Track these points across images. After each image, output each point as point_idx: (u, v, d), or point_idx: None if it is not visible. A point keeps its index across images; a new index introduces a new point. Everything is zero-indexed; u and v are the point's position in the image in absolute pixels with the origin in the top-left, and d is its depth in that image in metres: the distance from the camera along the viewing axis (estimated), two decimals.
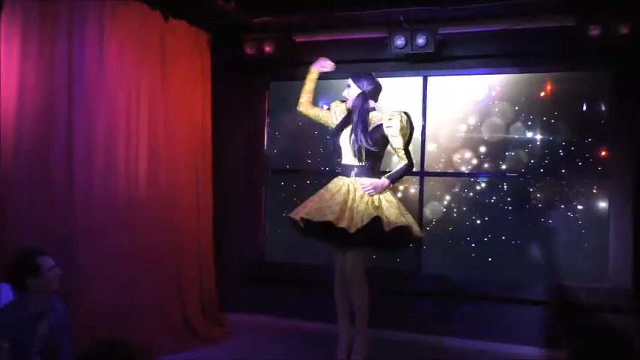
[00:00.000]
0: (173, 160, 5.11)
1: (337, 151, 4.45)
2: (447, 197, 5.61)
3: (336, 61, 5.53)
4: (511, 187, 5.42)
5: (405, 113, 4.31)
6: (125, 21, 4.65)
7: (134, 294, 4.59)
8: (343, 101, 4.51)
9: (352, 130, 4.31)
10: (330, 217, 4.09)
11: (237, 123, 5.94)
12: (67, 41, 4.26)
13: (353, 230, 4.05)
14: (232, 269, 5.78)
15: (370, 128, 4.29)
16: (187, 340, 4.92)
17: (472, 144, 5.52)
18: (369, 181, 4.23)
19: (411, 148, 4.38)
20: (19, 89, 4.02)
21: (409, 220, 4.24)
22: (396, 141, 4.25)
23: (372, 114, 4.35)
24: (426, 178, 5.51)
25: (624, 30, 4.61)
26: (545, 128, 5.33)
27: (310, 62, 5.68)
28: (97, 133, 4.42)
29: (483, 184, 5.53)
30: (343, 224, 4.07)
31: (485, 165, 5.49)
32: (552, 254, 5.14)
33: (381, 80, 5.62)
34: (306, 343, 4.77)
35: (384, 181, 4.26)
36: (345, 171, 4.36)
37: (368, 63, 5.54)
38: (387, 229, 4.05)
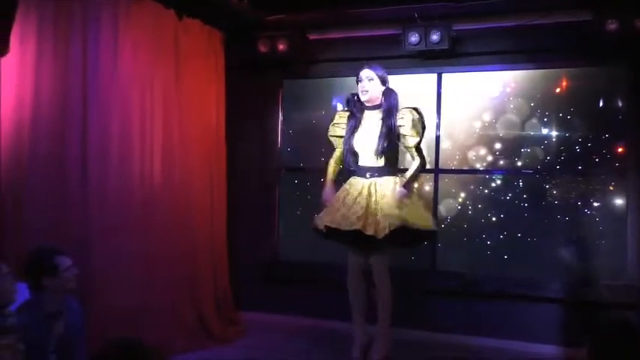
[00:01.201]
0: (187, 158, 5.12)
1: (353, 154, 4.38)
2: (462, 194, 5.58)
3: (350, 59, 5.53)
4: (527, 184, 5.37)
5: (416, 109, 4.28)
6: (139, 20, 4.66)
7: (148, 294, 4.60)
8: (346, 104, 4.48)
9: (385, 130, 4.21)
10: (357, 225, 4.08)
11: (251, 121, 5.94)
12: (82, 40, 4.28)
13: (381, 236, 4.04)
14: (246, 268, 5.78)
15: None
16: (201, 340, 4.92)
17: (487, 141, 5.48)
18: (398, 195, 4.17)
19: (424, 145, 4.35)
20: (35, 89, 4.04)
21: (428, 215, 4.30)
22: (409, 140, 4.24)
23: None
24: (441, 176, 5.47)
25: None
26: (561, 124, 5.28)
27: (324, 60, 5.70)
28: (111, 133, 4.44)
29: (499, 182, 5.49)
30: (370, 231, 4.06)
31: (501, 162, 5.45)
32: (569, 251, 5.09)
33: (395, 77, 5.63)
34: (319, 342, 4.76)
35: (403, 191, 4.19)
36: (362, 172, 4.31)
37: (382, 60, 5.50)
38: (412, 229, 4.09)
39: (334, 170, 4.56)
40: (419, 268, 5.38)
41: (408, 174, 4.29)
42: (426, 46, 5.11)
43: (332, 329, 5.18)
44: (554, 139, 5.32)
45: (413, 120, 4.20)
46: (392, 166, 4.33)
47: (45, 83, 4.10)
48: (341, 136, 4.46)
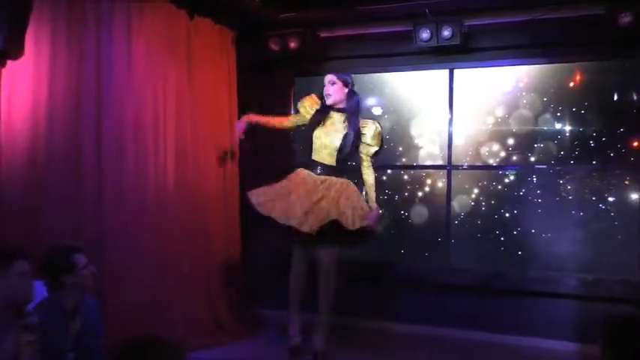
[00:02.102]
0: (200, 157, 5.15)
1: (308, 147, 4.57)
2: (475, 191, 5.56)
3: (361, 56, 5.53)
4: (540, 180, 5.35)
5: (379, 122, 4.61)
6: (152, 20, 4.69)
7: (163, 291, 4.64)
8: (320, 98, 4.62)
9: (348, 132, 4.45)
10: (293, 222, 4.28)
11: None
12: (95, 41, 4.32)
13: (314, 231, 4.23)
14: (261, 265, 5.80)
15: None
16: (216, 337, 4.96)
17: (500, 136, 5.46)
18: (372, 219, 4.38)
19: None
20: (50, 90, 4.09)
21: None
22: (370, 149, 4.53)
23: None
24: (454, 172, 5.46)
25: None
26: (575, 119, 5.25)
27: (335, 57, 5.70)
28: (125, 133, 4.47)
29: (512, 177, 5.47)
30: (306, 228, 4.24)
31: (514, 157, 5.43)
32: (583, 247, 5.06)
33: (407, 74, 5.64)
34: (332, 338, 4.75)
35: (377, 212, 4.46)
36: (314, 167, 4.51)
37: (393, 57, 5.53)
38: (351, 227, 4.27)
39: (277, 122, 4.87)
40: (433, 264, 5.37)
41: (373, 194, 4.51)
42: (437, 42, 5.10)
43: (343, 324, 5.18)
44: (567, 134, 5.28)
45: (375, 130, 4.50)
46: (343, 168, 4.54)
47: (59, 85, 4.14)
48: (307, 115, 4.65)
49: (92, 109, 4.29)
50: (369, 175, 4.56)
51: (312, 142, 4.56)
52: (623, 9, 4.56)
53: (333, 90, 4.53)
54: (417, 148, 5.34)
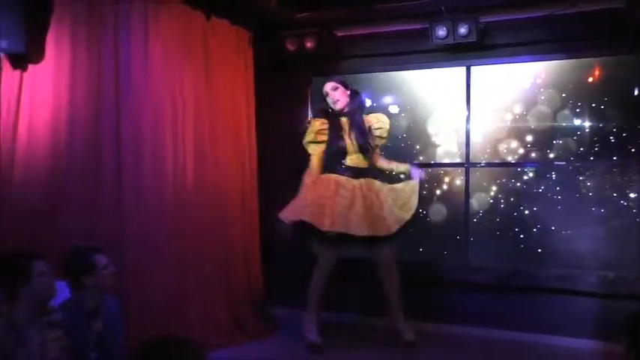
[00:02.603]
0: (219, 158, 5.18)
1: (341, 155, 4.58)
2: (494, 188, 5.53)
3: (378, 55, 5.52)
4: (560, 176, 5.30)
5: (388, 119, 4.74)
6: (168, 22, 4.73)
7: (182, 291, 4.67)
8: (323, 113, 4.69)
9: (356, 128, 4.53)
10: (365, 231, 4.34)
11: (280, 119, 5.97)
12: (114, 44, 4.38)
13: (393, 230, 4.37)
14: (280, 264, 5.82)
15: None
16: (235, 336, 4.97)
17: (518, 133, 5.43)
18: (415, 175, 4.57)
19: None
20: (70, 94, 4.15)
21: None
22: (380, 141, 4.66)
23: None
24: (472, 169, 5.43)
25: None
26: (595, 115, 5.20)
27: (352, 56, 5.70)
28: (144, 134, 4.51)
29: (531, 174, 5.43)
30: (381, 231, 4.36)
31: (533, 154, 5.39)
32: (604, 244, 5.01)
33: (423, 72, 5.62)
34: (350, 336, 4.78)
35: (416, 168, 4.64)
36: (351, 172, 4.53)
37: (409, 55, 5.51)
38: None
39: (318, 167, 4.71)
40: (452, 262, 5.35)
41: (397, 164, 4.74)
42: (454, 39, 5.08)
43: (360, 324, 5.20)
44: (587, 130, 5.23)
45: (388, 130, 4.68)
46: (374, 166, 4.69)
47: (80, 87, 4.21)
48: (322, 142, 4.62)
49: (111, 111, 4.34)
50: (385, 161, 4.74)
51: (344, 151, 4.56)
52: None
53: (339, 95, 4.60)
54: (435, 146, 5.32)
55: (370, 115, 4.76)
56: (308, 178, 4.61)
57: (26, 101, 4.24)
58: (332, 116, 4.65)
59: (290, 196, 5.07)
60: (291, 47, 5.63)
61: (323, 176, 4.59)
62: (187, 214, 4.80)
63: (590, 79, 5.23)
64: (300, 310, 4.79)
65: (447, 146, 5.70)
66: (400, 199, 4.48)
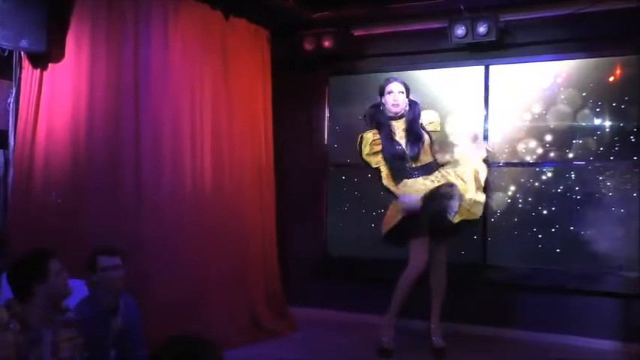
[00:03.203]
0: (236, 157, 5.20)
1: (401, 159, 4.53)
2: (512, 188, 5.48)
3: (396, 54, 5.51)
4: (579, 176, 5.25)
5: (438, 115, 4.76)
6: (188, 21, 4.76)
7: (200, 290, 4.69)
8: (371, 120, 4.63)
9: (412, 137, 4.50)
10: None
11: (298, 118, 5.99)
12: (134, 42, 4.40)
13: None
14: (296, 263, 5.83)
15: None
16: (253, 335, 4.99)
17: (537, 133, 5.37)
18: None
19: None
20: (90, 92, 4.18)
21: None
22: (435, 135, 4.65)
23: None
24: (490, 169, 5.38)
25: None
26: (615, 114, 5.13)
27: (369, 56, 5.69)
28: (163, 133, 4.54)
29: (550, 174, 5.38)
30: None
31: (552, 154, 5.34)
32: (624, 244, 4.96)
33: (442, 71, 5.60)
34: (369, 337, 4.77)
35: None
36: (415, 173, 4.50)
37: (428, 54, 5.50)
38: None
39: (393, 179, 4.57)
40: (469, 261, 5.32)
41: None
42: (472, 38, 5.05)
43: (379, 324, 5.18)
44: (607, 130, 5.17)
45: (441, 125, 4.73)
46: (435, 159, 4.63)
47: (99, 86, 4.23)
48: (380, 152, 4.54)
49: (130, 111, 4.37)
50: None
51: (402, 154, 4.51)
52: None
53: (401, 99, 4.54)
54: (453, 145, 5.27)
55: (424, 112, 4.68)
56: (398, 190, 4.48)
57: (46, 101, 4.27)
58: (382, 122, 4.58)
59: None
60: (308, 46, 5.64)
61: (410, 181, 4.48)
62: (205, 214, 4.82)
63: (611, 79, 5.17)
64: (316, 309, 4.78)
65: (464, 146, 5.65)
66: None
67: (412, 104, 4.60)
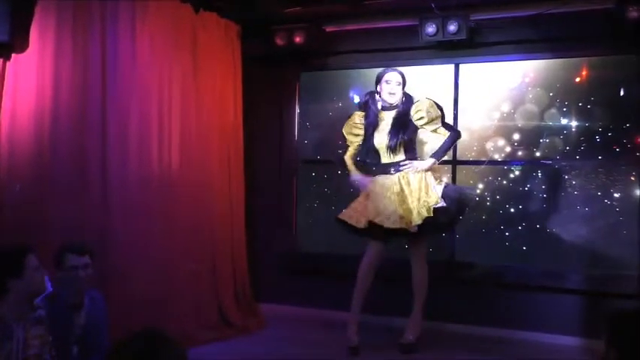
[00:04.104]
0: (205, 152, 5.15)
1: (375, 152, 4.60)
2: (480, 186, 5.54)
3: (367, 51, 5.52)
4: (546, 175, 5.32)
5: (428, 99, 4.57)
6: (156, 14, 4.69)
7: (168, 285, 4.65)
8: (365, 106, 4.65)
9: (396, 129, 4.50)
10: (400, 224, 4.37)
11: (268, 114, 5.96)
12: (100, 35, 4.32)
13: (415, 228, 4.38)
14: (266, 260, 5.81)
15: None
16: (221, 331, 4.97)
17: (505, 131, 5.44)
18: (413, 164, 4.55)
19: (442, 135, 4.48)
20: (55, 83, 4.09)
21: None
22: (431, 126, 4.55)
23: None
24: (459, 167, 5.44)
25: None
26: (581, 114, 5.22)
27: (341, 52, 5.69)
28: (130, 127, 4.48)
29: (517, 172, 5.45)
30: (412, 227, 4.38)
31: (519, 153, 5.41)
32: (589, 242, 5.04)
33: (412, 69, 5.61)
34: (339, 333, 4.77)
35: (428, 161, 4.57)
36: (386, 169, 4.54)
37: (399, 51, 5.51)
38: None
39: (354, 163, 4.78)
40: (438, 259, 5.36)
41: (437, 150, 4.61)
42: (443, 36, 5.08)
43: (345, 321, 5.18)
44: (573, 129, 5.25)
45: (428, 111, 4.51)
46: (413, 158, 4.58)
47: (65, 78, 4.14)
48: (357, 135, 4.68)
49: (97, 104, 4.29)
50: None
51: (375, 148, 4.59)
52: (631, 3, 4.52)
53: (398, 90, 4.56)
54: (422, 143, 5.29)
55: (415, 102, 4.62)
56: (353, 168, 4.71)
57: (9, 92, 4.16)
58: (373, 110, 4.61)
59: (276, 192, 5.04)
60: (280, 42, 5.60)
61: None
62: (173, 210, 4.77)
63: (578, 79, 5.25)
64: (285, 306, 4.78)
65: (434, 143, 5.68)
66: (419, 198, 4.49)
67: (407, 98, 4.60)
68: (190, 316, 4.78)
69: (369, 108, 4.63)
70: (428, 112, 4.50)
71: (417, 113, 4.52)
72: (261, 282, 5.71)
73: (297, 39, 5.55)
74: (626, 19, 4.56)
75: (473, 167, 5.53)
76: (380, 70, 4.72)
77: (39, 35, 3.99)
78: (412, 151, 4.60)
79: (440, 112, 4.55)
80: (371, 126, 4.59)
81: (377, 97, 4.64)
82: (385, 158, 4.57)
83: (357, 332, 4.53)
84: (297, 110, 5.95)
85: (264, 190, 5.91)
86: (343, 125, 4.82)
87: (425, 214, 4.38)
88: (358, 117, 4.70)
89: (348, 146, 4.79)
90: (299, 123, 5.97)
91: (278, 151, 5.95)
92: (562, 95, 5.25)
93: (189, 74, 5.00)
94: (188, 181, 4.94)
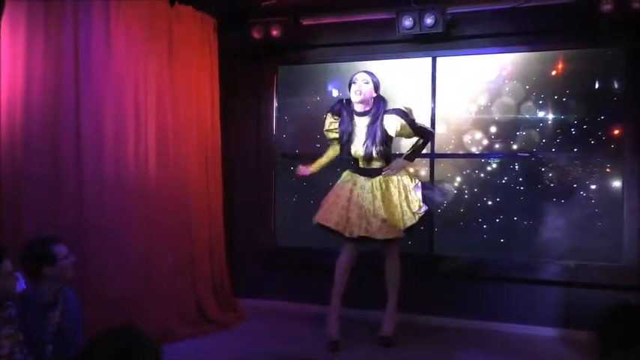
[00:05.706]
0: (182, 146, 5.10)
1: (353, 160, 4.61)
2: (458, 179, 5.57)
3: (344, 44, 5.51)
4: (523, 168, 5.37)
5: (395, 114, 4.44)
6: (131, 7, 4.62)
7: (145, 281, 4.61)
8: (338, 109, 4.59)
9: (370, 141, 4.45)
10: (362, 233, 4.42)
11: (246, 108, 5.92)
12: (74, 29, 4.24)
13: (389, 236, 4.43)
14: (245, 254, 5.79)
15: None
16: (200, 326, 4.94)
17: (483, 124, 5.47)
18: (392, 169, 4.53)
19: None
20: (27, 78, 4.01)
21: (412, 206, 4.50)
22: (405, 134, 4.52)
23: None
24: (436, 160, 5.46)
25: (637, 4, 4.52)
26: (557, 107, 5.27)
27: (318, 45, 5.67)
28: (105, 122, 4.41)
29: (494, 165, 5.49)
30: (379, 235, 4.42)
31: (497, 145, 5.44)
32: (565, 234, 5.10)
33: (389, 62, 5.62)
34: (318, 328, 4.78)
35: (401, 162, 4.55)
36: (364, 174, 4.55)
37: (376, 45, 5.51)
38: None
39: (323, 163, 4.79)
40: (416, 252, 5.38)
41: (408, 151, 4.62)
42: (420, 29, 5.08)
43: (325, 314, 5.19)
44: (550, 122, 5.30)
45: (396, 126, 4.42)
46: (389, 160, 4.59)
47: (37, 72, 4.06)
48: (336, 139, 4.65)
49: (71, 98, 4.22)
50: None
51: (352, 157, 4.58)
52: None
53: (367, 89, 4.43)
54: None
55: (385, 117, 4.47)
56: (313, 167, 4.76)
57: None
58: (347, 114, 4.53)
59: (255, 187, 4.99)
60: (257, 35, 5.57)
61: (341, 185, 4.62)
62: (150, 205, 4.72)
63: (554, 72, 5.30)
64: (265, 300, 4.76)
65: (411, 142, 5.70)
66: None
67: (378, 100, 4.48)
68: (169, 311, 4.74)
69: (342, 115, 4.56)
70: (396, 127, 4.41)
71: (388, 128, 4.43)
72: (241, 277, 5.69)
73: (274, 32, 5.52)
74: (600, 12, 4.61)
75: (450, 160, 5.56)
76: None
77: (10, 28, 3.91)
78: (389, 156, 4.60)
79: (410, 122, 4.44)
80: (345, 133, 4.54)
81: (345, 102, 4.59)
82: (363, 164, 4.58)
83: (337, 327, 4.53)
84: (275, 104, 5.92)
85: (242, 185, 5.88)
86: (322, 121, 4.79)
87: (408, 223, 4.44)
88: (330, 122, 4.63)
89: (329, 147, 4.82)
90: (277, 117, 5.94)
91: (256, 145, 5.92)
92: (538, 88, 5.30)
93: (164, 68, 4.94)
94: (165, 175, 4.89)
